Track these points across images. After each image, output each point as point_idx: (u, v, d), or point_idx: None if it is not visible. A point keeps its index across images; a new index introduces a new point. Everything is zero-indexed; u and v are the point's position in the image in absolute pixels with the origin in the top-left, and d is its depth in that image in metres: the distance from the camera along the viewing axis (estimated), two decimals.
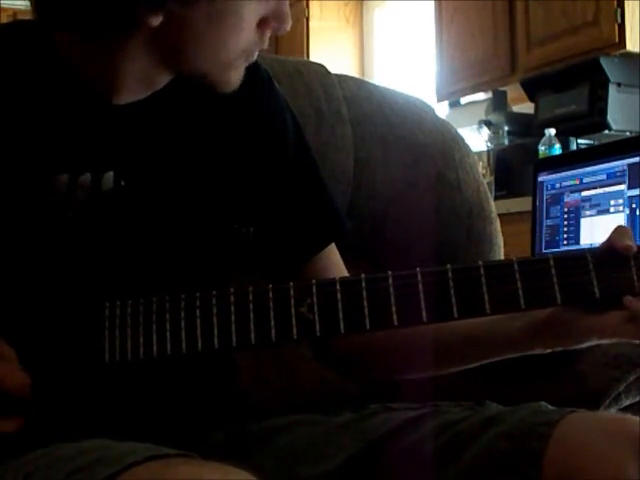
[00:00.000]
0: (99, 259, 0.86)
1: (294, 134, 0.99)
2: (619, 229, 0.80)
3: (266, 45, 0.88)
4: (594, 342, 0.83)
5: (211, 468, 0.65)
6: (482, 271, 0.78)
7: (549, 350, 0.86)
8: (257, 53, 0.89)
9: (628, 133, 3.18)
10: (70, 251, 0.85)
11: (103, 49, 0.83)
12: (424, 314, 0.78)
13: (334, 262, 0.99)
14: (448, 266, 0.79)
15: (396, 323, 0.79)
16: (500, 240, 1.37)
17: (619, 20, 3.16)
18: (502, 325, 0.87)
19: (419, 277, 0.79)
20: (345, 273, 0.99)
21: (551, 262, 0.78)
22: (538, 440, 0.77)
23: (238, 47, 0.85)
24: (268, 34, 0.87)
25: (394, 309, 0.78)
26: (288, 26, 0.87)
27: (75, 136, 0.86)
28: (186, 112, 0.92)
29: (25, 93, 0.86)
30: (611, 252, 0.78)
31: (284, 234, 0.97)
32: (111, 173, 0.86)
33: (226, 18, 0.82)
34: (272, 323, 0.79)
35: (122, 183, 0.87)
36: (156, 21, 0.80)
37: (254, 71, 0.95)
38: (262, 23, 0.85)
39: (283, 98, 1.00)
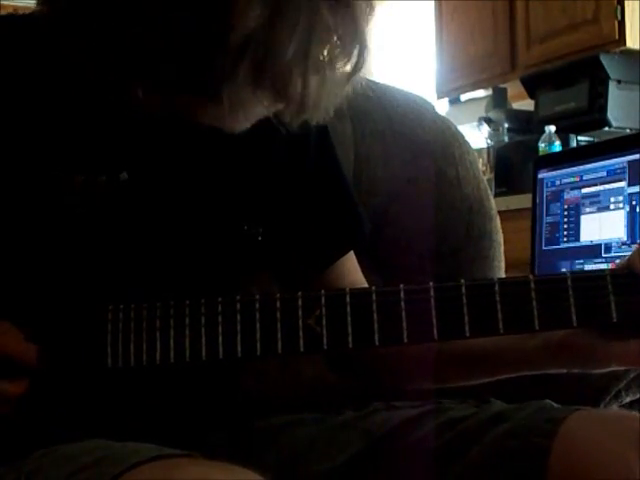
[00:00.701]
0: (108, 260, 0.85)
1: (316, 138, 0.96)
2: (639, 250, 0.77)
3: None
4: (614, 368, 0.80)
5: (218, 468, 0.64)
6: (497, 288, 0.75)
7: (565, 370, 0.84)
8: None
9: (628, 130, 3.18)
10: (80, 252, 0.85)
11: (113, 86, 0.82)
12: (435, 332, 0.75)
13: (351, 270, 0.97)
14: (462, 281, 0.76)
15: (406, 340, 0.76)
16: (500, 237, 1.37)
17: (619, 17, 3.16)
18: (517, 342, 0.84)
19: (432, 292, 0.76)
20: (362, 281, 0.98)
21: (569, 282, 0.75)
22: (544, 438, 0.77)
23: (249, 121, 0.79)
24: None
25: (404, 326, 0.76)
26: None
27: (91, 138, 0.85)
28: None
29: (43, 94, 0.85)
30: (630, 273, 0.75)
31: (298, 238, 0.95)
32: (125, 174, 0.85)
33: (237, 114, 0.76)
34: (279, 335, 0.77)
35: (134, 185, 0.86)
36: (156, 100, 0.76)
37: None
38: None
39: None
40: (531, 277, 0.76)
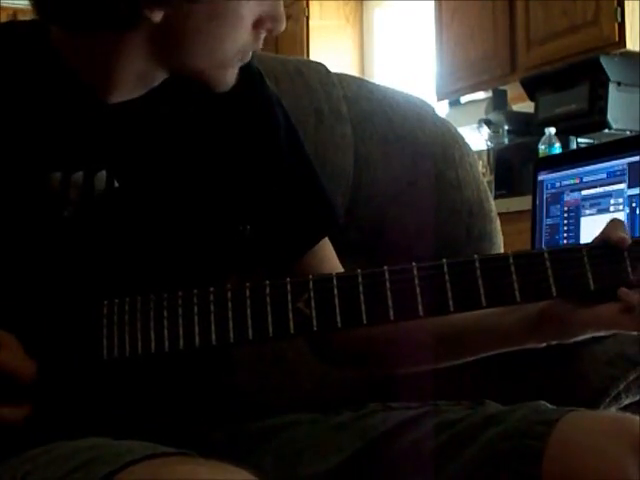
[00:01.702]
0: (96, 258, 0.86)
1: (286, 129, 0.99)
2: (613, 222, 0.81)
3: (260, 46, 0.89)
4: (590, 334, 0.83)
5: (209, 467, 0.65)
6: (477, 264, 0.79)
7: (544, 344, 0.87)
8: (251, 53, 0.89)
9: (628, 132, 3.18)
10: (67, 250, 0.85)
11: (102, 45, 0.84)
12: (420, 308, 0.79)
13: (328, 256, 1.00)
14: (444, 260, 0.80)
15: (392, 317, 0.79)
16: (500, 239, 1.37)
17: (619, 19, 3.16)
18: (497, 319, 0.87)
19: (415, 271, 0.79)
20: (339, 267, 1.00)
21: (546, 255, 0.79)
22: (537, 439, 0.77)
23: (235, 46, 0.86)
24: (263, 35, 0.88)
25: (390, 304, 0.79)
26: (282, 26, 0.87)
27: (69, 134, 0.86)
28: (179, 110, 0.92)
29: (20, 90, 0.86)
30: (605, 245, 0.79)
31: (278, 230, 0.98)
32: (104, 172, 0.86)
33: (226, 16, 0.82)
34: (269, 319, 0.80)
35: (115, 182, 0.87)
36: (158, 16, 0.80)
37: (245, 67, 0.94)
38: (257, 23, 0.86)
39: (273, 93, 1.00)
40: (510, 253, 0.79)
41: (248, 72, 0.96)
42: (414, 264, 0.80)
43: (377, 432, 0.89)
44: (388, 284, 0.79)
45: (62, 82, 0.86)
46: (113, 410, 0.85)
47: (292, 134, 1.00)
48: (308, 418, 0.96)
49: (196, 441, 0.85)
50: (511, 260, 0.79)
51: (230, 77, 0.88)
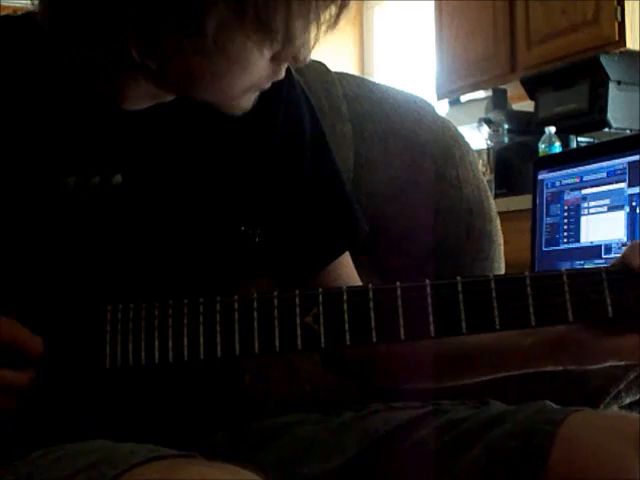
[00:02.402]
0: (105, 262, 0.85)
1: (312, 135, 0.96)
2: (633, 246, 0.77)
3: (282, 75, 0.83)
4: (610, 364, 0.81)
5: (216, 468, 0.64)
6: (493, 285, 0.76)
7: (561, 368, 0.84)
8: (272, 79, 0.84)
9: (628, 131, 3.18)
10: (76, 253, 0.85)
11: (108, 73, 0.83)
12: (432, 329, 0.76)
13: (347, 271, 0.98)
14: (458, 278, 0.77)
15: (403, 337, 0.76)
16: (500, 238, 1.37)
17: (619, 18, 3.16)
18: (513, 340, 0.85)
19: (428, 289, 0.76)
20: (357, 280, 0.98)
21: (564, 278, 0.76)
22: (543, 439, 0.77)
23: (246, 84, 0.80)
24: (284, 66, 0.82)
25: (401, 322, 0.76)
26: (306, 58, 0.80)
27: (84, 138, 0.85)
28: (196, 114, 0.89)
29: (35, 95, 0.85)
30: (625, 269, 0.76)
31: (295, 239, 0.95)
32: (119, 176, 0.85)
33: (230, 62, 0.77)
34: (276, 333, 0.77)
35: (129, 186, 0.86)
36: (153, 65, 0.77)
37: None
38: (276, 57, 0.79)
39: (303, 96, 0.97)
40: (527, 273, 0.76)
41: None
42: (427, 281, 0.77)
43: (380, 432, 0.88)
44: (400, 302, 0.76)
45: (77, 87, 0.85)
46: (116, 412, 0.85)
47: (319, 141, 0.97)
48: (311, 418, 0.96)
49: (199, 442, 0.85)
50: (528, 282, 0.76)
51: (245, 104, 0.83)
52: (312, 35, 0.76)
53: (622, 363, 0.81)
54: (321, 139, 0.98)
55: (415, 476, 0.84)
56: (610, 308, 0.75)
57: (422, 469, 0.84)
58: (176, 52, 0.75)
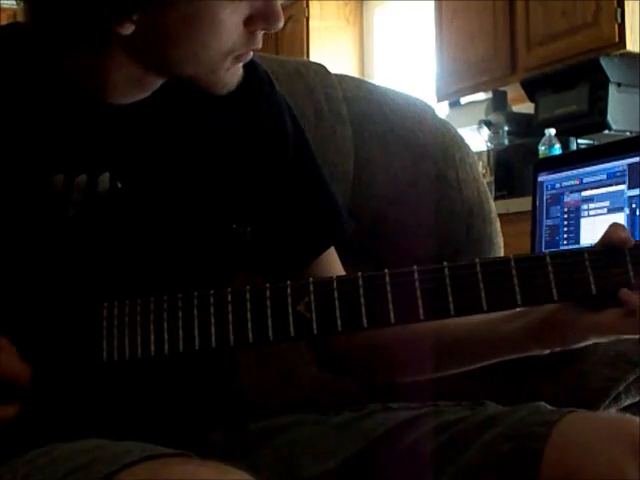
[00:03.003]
0: (97, 259, 0.86)
1: (294, 135, 0.98)
2: (614, 225, 0.80)
3: (259, 45, 0.85)
4: (593, 340, 0.82)
5: (207, 467, 0.65)
6: (478, 268, 0.78)
7: (547, 351, 0.86)
8: (251, 53, 0.87)
9: (628, 133, 3.18)
10: (68, 251, 0.85)
11: (89, 55, 0.84)
12: (421, 311, 0.78)
13: (333, 266, 0.99)
14: (444, 264, 0.79)
15: (393, 321, 0.79)
16: (500, 240, 1.37)
17: (619, 20, 3.17)
18: (500, 326, 0.87)
19: (416, 275, 0.79)
20: (343, 274, 0.98)
21: (548, 259, 0.78)
22: (537, 441, 0.77)
23: (222, 48, 0.82)
24: (259, 34, 0.84)
25: (391, 307, 0.78)
26: (278, 24, 0.83)
27: (71, 136, 0.86)
28: (184, 112, 0.91)
29: (20, 94, 0.86)
30: (607, 249, 0.78)
31: (283, 236, 0.97)
32: (107, 174, 0.86)
33: (201, 20, 0.79)
34: (269, 322, 0.79)
35: (118, 184, 0.86)
36: (127, 30, 0.79)
37: (252, 71, 0.94)
38: (249, 22, 0.82)
39: (283, 98, 0.99)
40: (511, 256, 0.79)
41: (256, 75, 0.95)
42: (415, 267, 0.79)
43: (377, 433, 0.89)
44: (389, 287, 0.79)
45: (64, 85, 0.86)
46: (112, 411, 0.85)
47: (301, 141, 0.99)
48: (308, 419, 0.96)
49: (195, 442, 0.85)
50: (512, 264, 0.78)
51: (229, 78, 0.86)
52: None
53: (604, 340, 0.83)
54: (302, 137, 1.00)
55: (411, 476, 0.85)
56: (593, 286, 0.77)
57: (418, 469, 0.85)
58: (147, 13, 0.78)
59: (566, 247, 1.47)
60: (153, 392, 0.88)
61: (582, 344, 0.83)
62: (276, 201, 0.96)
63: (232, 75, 0.86)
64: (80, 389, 0.83)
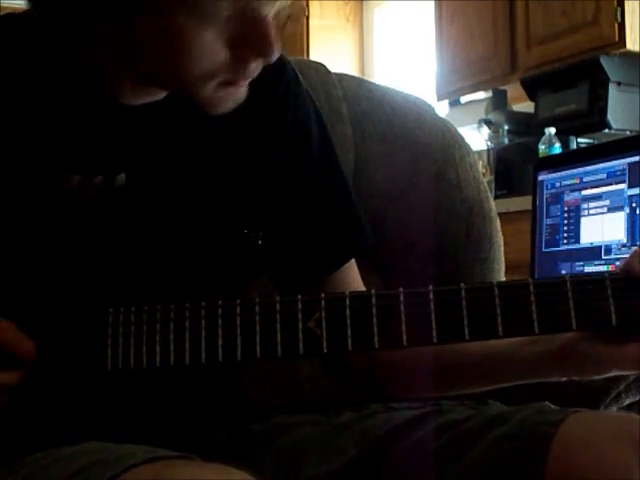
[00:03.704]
0: (107, 261, 0.85)
1: (319, 143, 0.95)
2: (635, 253, 0.76)
3: (250, 75, 0.77)
4: (615, 374, 0.80)
5: (210, 469, 0.64)
6: (496, 292, 0.75)
7: (565, 378, 0.84)
8: (244, 82, 0.79)
9: (628, 132, 3.18)
10: (78, 252, 0.85)
11: (95, 56, 0.82)
12: (434, 335, 0.75)
13: (351, 277, 0.97)
14: (462, 285, 0.76)
15: (405, 343, 0.76)
16: (500, 239, 1.37)
17: (619, 19, 3.16)
18: (516, 350, 0.85)
19: (431, 295, 0.76)
20: (362, 288, 0.97)
21: (568, 285, 0.75)
22: (541, 440, 0.76)
23: (195, 71, 0.75)
24: (251, 62, 0.76)
25: (404, 328, 0.76)
26: (270, 53, 0.75)
27: (87, 138, 0.85)
28: (200, 113, 0.88)
29: (38, 94, 0.85)
30: (629, 276, 0.75)
31: (301, 245, 0.95)
32: (123, 175, 0.85)
33: (170, 39, 0.73)
34: (278, 338, 0.77)
35: (133, 187, 0.85)
36: (101, 38, 0.77)
37: (280, 70, 0.91)
38: (236, 47, 0.75)
39: (310, 102, 0.96)
40: (530, 280, 0.76)
41: (283, 76, 0.92)
42: (430, 287, 0.76)
43: (379, 433, 0.88)
44: (402, 307, 0.76)
45: (79, 84, 0.84)
46: (115, 414, 0.85)
47: (326, 147, 0.96)
48: (310, 419, 0.95)
49: (198, 443, 0.85)
50: (531, 289, 0.75)
51: (219, 102, 0.79)
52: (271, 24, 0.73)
53: (626, 373, 0.81)
54: (328, 145, 0.97)
55: (414, 477, 0.84)
56: (614, 316, 0.74)
57: (421, 470, 0.84)
58: (115, 27, 0.75)
59: (566, 246, 1.47)
60: (156, 394, 0.88)
61: (604, 376, 0.81)
62: (293, 208, 0.94)
63: (223, 100, 0.79)
64: (83, 394, 0.83)
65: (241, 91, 0.80)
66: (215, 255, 0.90)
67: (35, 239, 0.84)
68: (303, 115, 0.94)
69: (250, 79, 0.78)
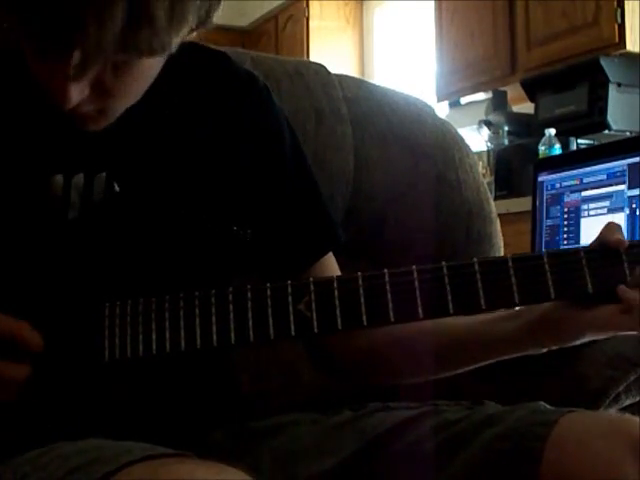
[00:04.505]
0: (98, 262, 0.86)
1: (291, 145, 0.99)
2: (609, 225, 0.82)
3: (70, 101, 0.74)
4: (589, 337, 0.83)
5: (206, 467, 0.65)
6: (477, 267, 0.79)
7: (545, 349, 0.87)
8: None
9: (628, 133, 3.18)
10: (69, 254, 0.85)
11: None
12: (420, 310, 0.79)
13: (332, 269, 1.00)
14: (443, 263, 0.80)
15: (393, 319, 0.79)
16: (500, 240, 1.37)
17: (619, 20, 3.16)
18: (496, 326, 0.88)
19: (415, 274, 0.80)
20: None
21: (545, 259, 0.79)
22: (536, 440, 0.77)
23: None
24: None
25: (390, 305, 0.79)
26: (65, 105, 0.73)
27: (68, 136, 0.85)
28: (182, 114, 0.92)
29: (16, 94, 0.86)
30: (603, 248, 0.80)
31: (282, 241, 0.98)
32: (104, 174, 0.86)
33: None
34: (270, 321, 0.80)
35: (115, 185, 0.87)
36: None
37: (252, 82, 0.97)
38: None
39: (280, 109, 1.01)
40: (509, 256, 0.80)
41: (255, 86, 0.98)
42: (414, 267, 0.80)
43: (376, 432, 0.89)
44: (388, 286, 0.80)
45: None
46: (113, 411, 0.85)
47: (297, 151, 1.01)
48: (307, 418, 0.96)
49: (195, 441, 0.85)
50: (510, 263, 0.79)
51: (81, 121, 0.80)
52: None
53: (600, 337, 0.85)
54: (299, 148, 1.01)
55: (411, 476, 0.85)
56: (590, 284, 0.79)
57: (418, 469, 0.85)
58: None
59: (566, 247, 1.47)
60: (153, 392, 0.88)
61: (578, 341, 0.84)
62: (276, 205, 0.97)
63: (81, 120, 0.80)
64: (82, 388, 0.83)
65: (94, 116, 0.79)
66: (205, 252, 0.92)
67: (27, 242, 0.85)
68: (275, 122, 0.99)
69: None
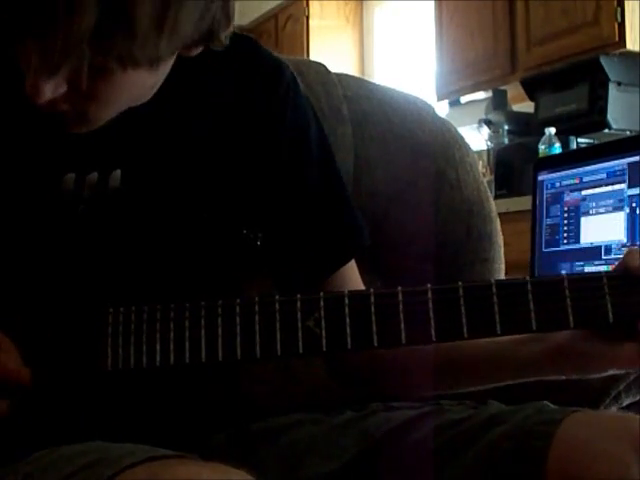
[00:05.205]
0: (106, 262, 0.85)
1: (318, 145, 0.96)
2: (631, 251, 0.77)
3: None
4: (611, 373, 0.81)
5: (208, 468, 0.64)
6: (494, 290, 0.76)
7: (563, 377, 0.85)
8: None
9: (628, 132, 3.18)
10: (77, 251, 0.85)
11: None
12: (433, 333, 0.76)
13: (351, 278, 0.97)
14: (459, 284, 0.77)
15: (404, 341, 0.76)
16: (500, 239, 1.37)
17: (619, 19, 3.17)
18: (513, 349, 0.85)
19: (429, 294, 0.76)
20: (362, 287, 0.97)
21: (565, 283, 0.75)
22: (541, 440, 0.76)
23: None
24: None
25: (403, 327, 0.76)
26: (37, 100, 0.72)
27: (81, 135, 0.85)
28: (198, 112, 0.90)
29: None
30: (626, 276, 0.76)
31: (300, 247, 0.95)
32: (118, 172, 0.85)
33: None
34: (278, 336, 0.77)
35: (129, 187, 0.85)
36: None
37: (278, 73, 0.92)
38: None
39: (309, 104, 0.96)
40: (528, 278, 0.76)
41: (281, 78, 0.93)
42: (429, 286, 0.77)
43: (379, 432, 0.88)
44: (401, 306, 0.76)
45: None
46: (115, 413, 0.85)
47: (325, 150, 0.97)
48: (310, 418, 0.95)
49: (198, 443, 0.85)
50: (529, 287, 0.76)
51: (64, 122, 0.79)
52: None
53: (623, 372, 0.82)
54: (326, 147, 0.97)
55: (414, 475, 0.84)
56: (611, 314, 0.75)
57: (421, 469, 0.84)
58: None
59: (566, 246, 1.47)
60: (155, 394, 0.88)
61: (601, 375, 0.82)
62: (293, 209, 0.94)
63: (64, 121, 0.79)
64: (84, 393, 0.83)
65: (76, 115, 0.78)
66: (214, 255, 0.91)
67: (36, 238, 0.84)
68: (302, 116, 0.95)
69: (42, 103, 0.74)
